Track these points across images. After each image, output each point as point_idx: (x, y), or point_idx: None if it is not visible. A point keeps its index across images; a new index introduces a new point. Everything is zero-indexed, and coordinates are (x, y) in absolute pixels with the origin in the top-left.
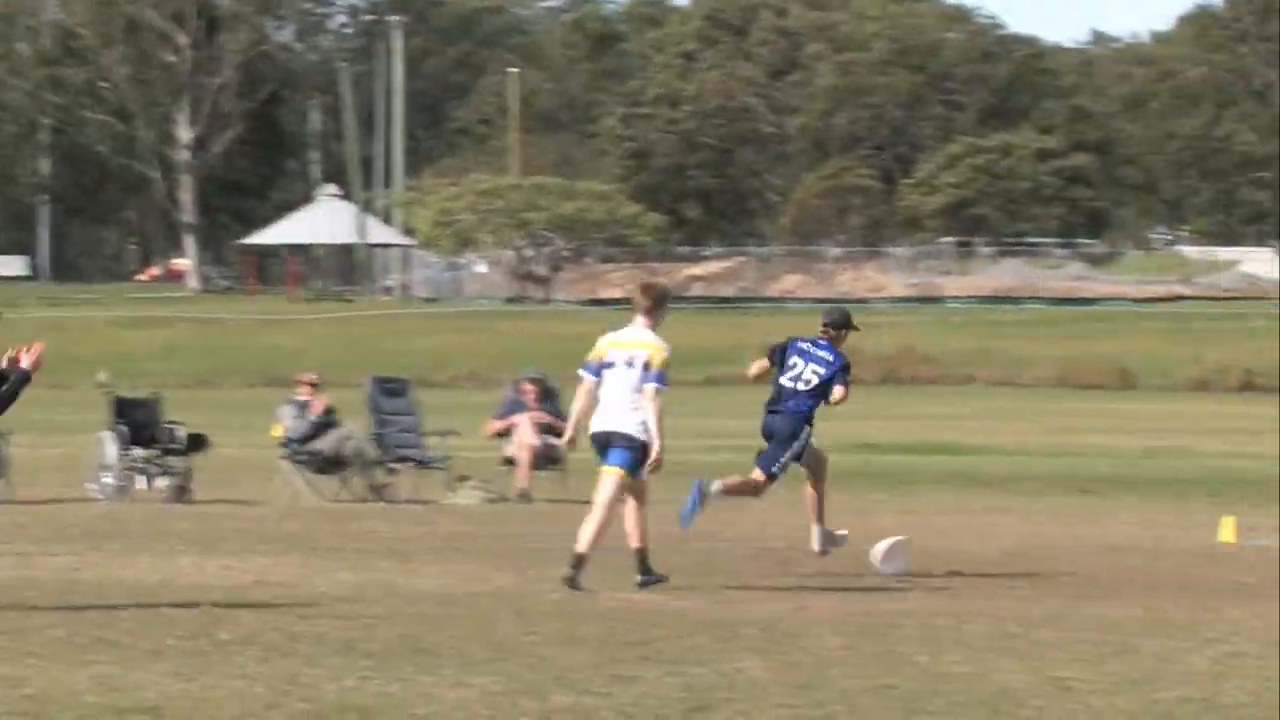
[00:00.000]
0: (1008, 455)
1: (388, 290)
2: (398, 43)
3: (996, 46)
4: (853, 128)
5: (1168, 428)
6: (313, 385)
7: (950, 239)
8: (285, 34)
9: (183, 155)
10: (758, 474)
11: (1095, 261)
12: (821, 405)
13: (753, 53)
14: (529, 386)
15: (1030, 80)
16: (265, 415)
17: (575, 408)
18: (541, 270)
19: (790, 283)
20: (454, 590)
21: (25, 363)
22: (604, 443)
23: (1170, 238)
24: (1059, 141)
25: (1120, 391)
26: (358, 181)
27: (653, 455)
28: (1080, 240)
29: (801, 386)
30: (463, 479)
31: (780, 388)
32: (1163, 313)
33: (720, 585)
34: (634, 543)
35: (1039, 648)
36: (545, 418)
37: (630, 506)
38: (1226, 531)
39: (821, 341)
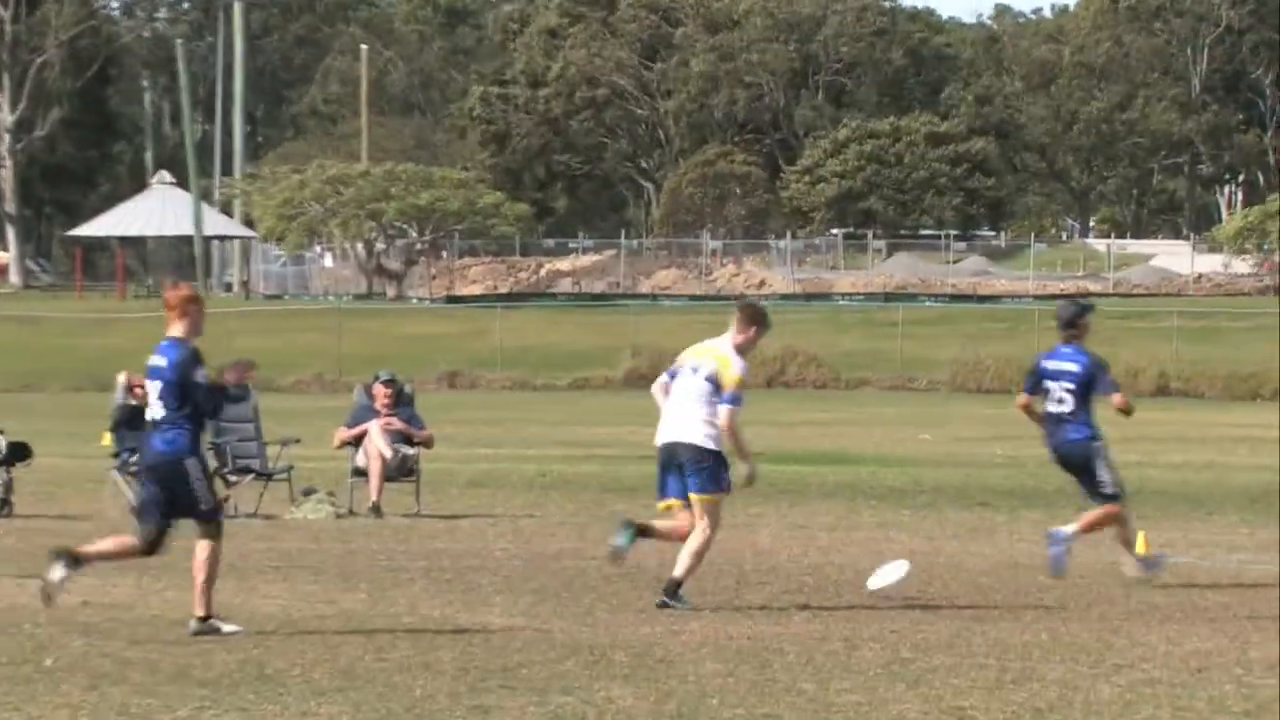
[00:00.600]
0: (901, 465)
1: (227, 286)
2: (239, 16)
3: (888, 22)
4: (732, 110)
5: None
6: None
7: (839, 231)
8: (114, 7)
9: (4, 139)
10: (1108, 507)
11: (996, 255)
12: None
13: (621, 29)
14: (381, 390)
15: (925, 59)
16: (92, 422)
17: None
18: (394, 265)
19: (664, 278)
20: (298, 612)
21: (230, 377)
22: (669, 456)
23: (1077, 229)
24: (956, 125)
25: None
26: (194, 168)
27: (744, 475)
28: (979, 232)
29: (1065, 410)
30: (308, 491)
31: (1048, 416)
32: None
33: (589, 606)
34: (677, 572)
35: (934, 675)
36: (398, 424)
37: (697, 530)
38: (1139, 545)
39: (1062, 349)
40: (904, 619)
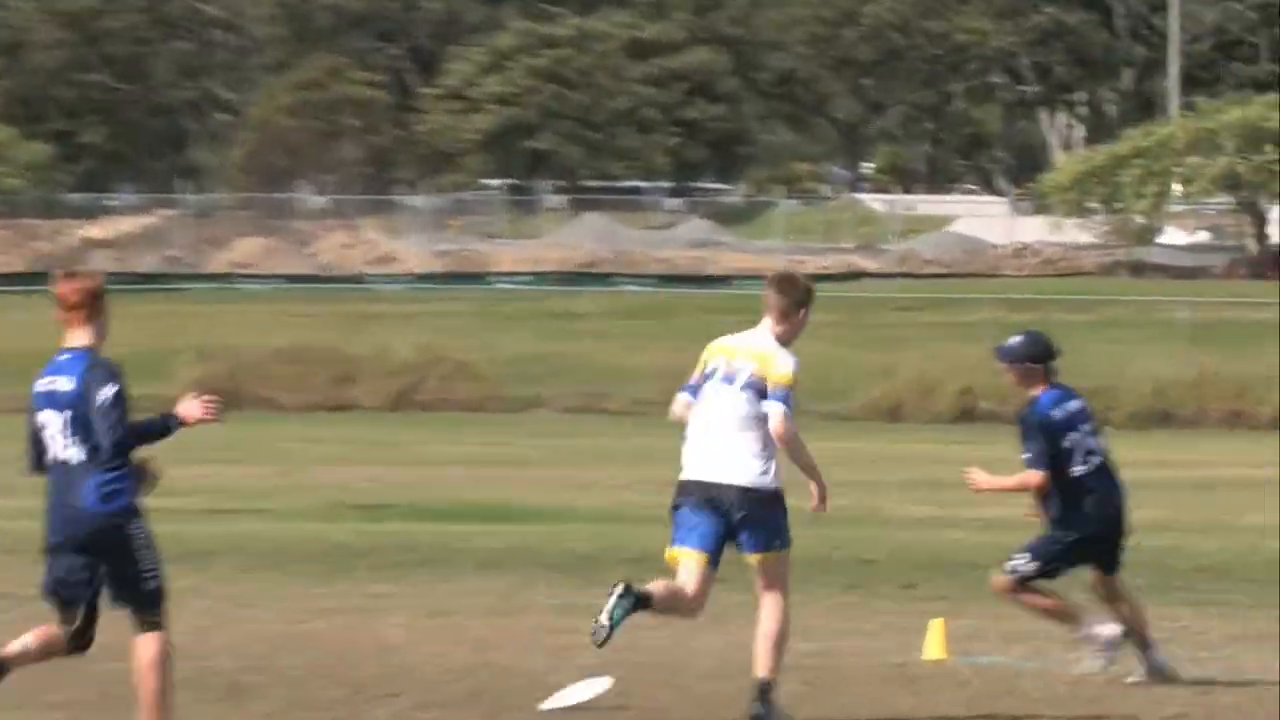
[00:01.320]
0: (590, 522)
1: None
2: None
3: None
4: (344, 5)
5: (835, 479)
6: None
7: (499, 182)
8: None
9: None
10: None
11: (728, 217)
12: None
13: None
14: None
15: None
16: None
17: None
18: None
19: (246, 250)
20: None
21: (192, 412)
22: (705, 498)
23: (846, 180)
24: (669, 30)
25: None
26: None
27: (814, 497)
28: (704, 184)
29: (1102, 461)
30: None
31: (1079, 482)
32: (833, 298)
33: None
34: (760, 670)
35: None
36: None
37: (767, 609)
38: (934, 641)
39: (1053, 390)
40: None
